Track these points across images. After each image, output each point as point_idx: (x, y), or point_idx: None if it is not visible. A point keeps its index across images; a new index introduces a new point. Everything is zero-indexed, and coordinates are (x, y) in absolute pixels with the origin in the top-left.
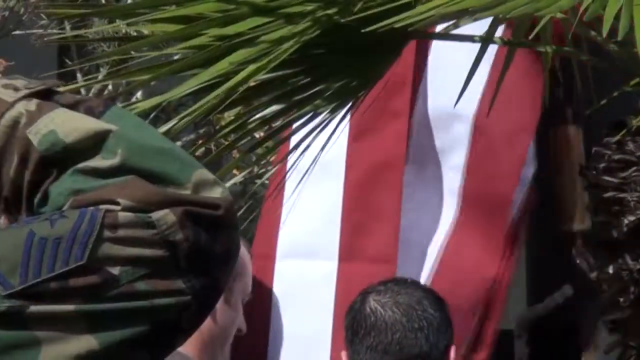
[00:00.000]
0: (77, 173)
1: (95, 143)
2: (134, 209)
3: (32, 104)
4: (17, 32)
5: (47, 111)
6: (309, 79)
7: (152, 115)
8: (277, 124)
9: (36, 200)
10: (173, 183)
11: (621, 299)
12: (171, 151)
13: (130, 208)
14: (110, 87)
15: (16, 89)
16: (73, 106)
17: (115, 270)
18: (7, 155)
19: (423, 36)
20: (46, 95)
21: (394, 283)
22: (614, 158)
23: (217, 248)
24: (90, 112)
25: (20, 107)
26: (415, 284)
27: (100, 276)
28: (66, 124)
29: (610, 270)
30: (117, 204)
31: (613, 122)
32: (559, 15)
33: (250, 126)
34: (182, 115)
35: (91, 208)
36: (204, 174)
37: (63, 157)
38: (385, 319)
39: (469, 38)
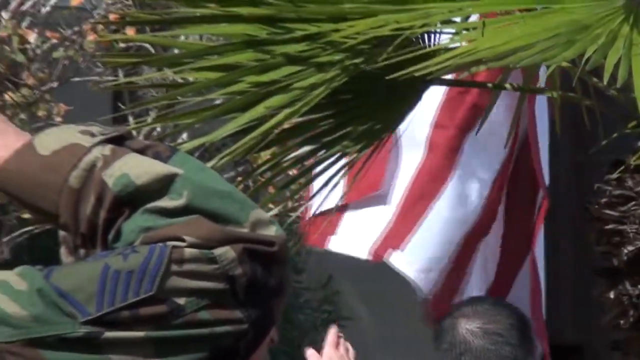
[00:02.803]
0: (147, 212)
1: (163, 185)
2: (198, 246)
3: (107, 149)
4: (76, 79)
5: (121, 155)
6: (337, 121)
7: (196, 155)
8: (309, 162)
9: (110, 236)
10: (233, 222)
11: (621, 321)
12: (230, 193)
13: (195, 245)
14: (158, 129)
15: (92, 135)
16: (142, 151)
17: (181, 301)
18: (85, 195)
19: (441, 83)
20: (119, 141)
21: (481, 306)
22: (614, 193)
23: (272, 281)
24: (157, 156)
25: (97, 151)
26: (500, 305)
27: (167, 306)
28: (137, 168)
29: (612, 296)
30: (183, 240)
31: (613, 161)
32: (565, 64)
33: (285, 165)
34: (223, 154)
35: (160, 244)
36: (260, 213)
37: (135, 197)
38: (476, 347)
39: (483, 85)
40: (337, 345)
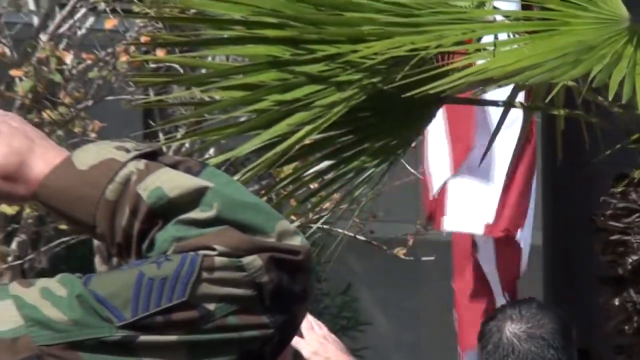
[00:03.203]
0: (180, 223)
1: (194, 198)
2: (227, 255)
3: (141, 164)
4: (109, 97)
5: (154, 170)
6: (356, 138)
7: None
8: (329, 176)
9: (144, 246)
10: (260, 232)
11: (626, 327)
12: (258, 205)
13: (224, 253)
14: (187, 144)
15: (127, 151)
16: (174, 166)
17: (211, 306)
18: (120, 207)
19: (454, 101)
20: (152, 156)
21: (526, 309)
22: (618, 206)
23: (296, 288)
24: (189, 171)
25: (131, 166)
26: (544, 307)
27: (198, 311)
28: (170, 181)
29: (616, 303)
30: (214, 249)
31: (617, 175)
32: (571, 82)
33: (306, 179)
34: (247, 168)
35: (191, 253)
36: (286, 224)
37: (167, 209)
38: (520, 350)
39: (494, 103)
40: (312, 328)
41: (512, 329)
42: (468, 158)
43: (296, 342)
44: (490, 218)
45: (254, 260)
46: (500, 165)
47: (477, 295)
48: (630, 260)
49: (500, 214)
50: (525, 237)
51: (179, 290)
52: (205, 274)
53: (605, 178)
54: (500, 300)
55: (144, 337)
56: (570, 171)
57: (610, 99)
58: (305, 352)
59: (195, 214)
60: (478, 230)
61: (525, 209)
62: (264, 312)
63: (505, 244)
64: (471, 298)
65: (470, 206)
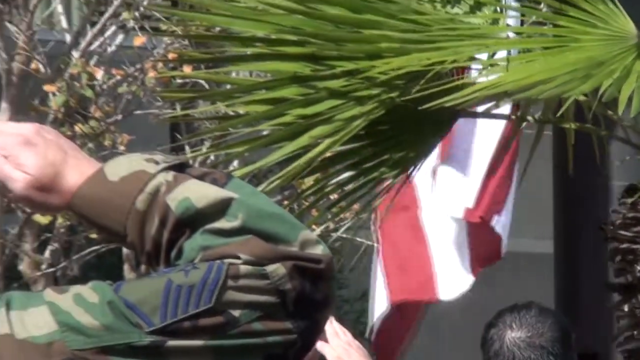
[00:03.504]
0: (206, 233)
1: (220, 208)
2: (252, 263)
3: (170, 175)
4: (138, 112)
5: (182, 181)
6: (375, 150)
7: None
8: (349, 187)
9: (173, 254)
10: (283, 241)
11: (634, 332)
12: (281, 215)
13: (249, 262)
14: (212, 157)
15: (156, 163)
16: (201, 177)
17: (236, 313)
18: (150, 217)
19: (469, 114)
20: (180, 168)
21: (526, 315)
22: (628, 216)
23: (318, 296)
24: (215, 182)
25: (161, 177)
26: (544, 312)
27: (224, 317)
28: (197, 193)
29: (626, 308)
30: (239, 258)
31: (627, 186)
32: (581, 97)
33: (327, 190)
34: (270, 180)
35: (217, 261)
36: (308, 234)
37: (195, 219)
38: (520, 358)
39: (507, 116)
40: (337, 334)
41: (512, 337)
42: (450, 153)
43: (321, 347)
44: (469, 204)
45: (277, 269)
46: (480, 160)
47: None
48: (638, 268)
49: (479, 202)
50: (503, 223)
51: (205, 297)
52: (230, 282)
53: (615, 189)
54: (468, 278)
55: (172, 342)
56: (580, 182)
57: (619, 113)
58: (330, 357)
59: (221, 224)
60: (458, 213)
61: (504, 199)
62: (287, 318)
63: (480, 230)
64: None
65: (452, 193)
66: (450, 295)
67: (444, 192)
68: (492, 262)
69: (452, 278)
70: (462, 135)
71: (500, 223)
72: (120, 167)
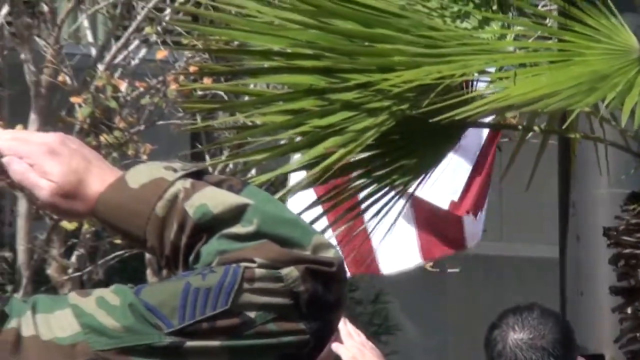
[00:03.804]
0: (223, 237)
1: (236, 214)
2: (266, 266)
3: (188, 183)
4: (160, 122)
5: (200, 188)
6: (386, 159)
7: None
8: (363, 194)
9: (190, 258)
10: (297, 246)
11: (638, 334)
12: (295, 220)
13: (264, 265)
14: (231, 165)
15: (175, 171)
16: (218, 184)
17: (252, 314)
18: (169, 222)
19: (477, 125)
20: (198, 176)
21: (528, 317)
22: (631, 222)
23: (331, 297)
24: (231, 189)
25: (179, 184)
26: (546, 314)
27: (240, 319)
28: (214, 199)
29: (629, 311)
30: (254, 262)
31: (630, 194)
32: (586, 109)
33: (341, 197)
34: (287, 188)
35: (233, 265)
36: (321, 238)
37: (212, 224)
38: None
39: (514, 127)
40: (351, 335)
41: (514, 338)
42: None
43: (336, 347)
44: (455, 197)
45: (291, 272)
46: (468, 157)
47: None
48: None
49: (464, 196)
50: (483, 218)
51: (222, 300)
52: (246, 285)
53: (618, 197)
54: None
55: (190, 343)
56: (585, 190)
57: (622, 124)
58: (345, 357)
59: (237, 229)
60: (444, 204)
61: (484, 197)
62: (300, 319)
63: (447, 219)
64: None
65: (439, 184)
66: (391, 270)
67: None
68: (453, 251)
69: (394, 255)
70: None
71: (482, 218)
72: (141, 174)
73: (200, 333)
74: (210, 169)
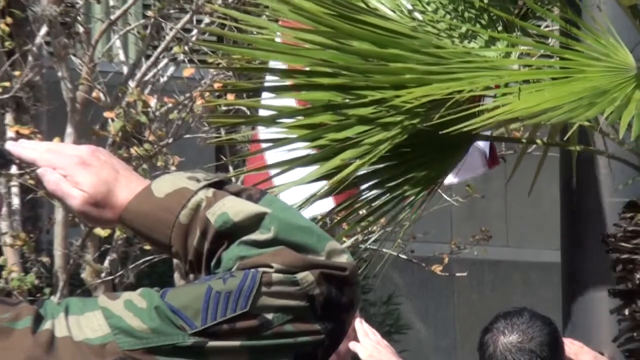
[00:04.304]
0: (242, 244)
1: (255, 222)
2: (283, 271)
3: (210, 192)
4: (187, 136)
5: (221, 197)
6: (399, 170)
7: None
8: (376, 203)
9: (212, 263)
10: (312, 251)
11: (634, 334)
12: (310, 228)
13: (281, 270)
14: None
15: (198, 180)
16: (238, 193)
17: (270, 316)
18: (192, 229)
19: (484, 138)
20: (219, 185)
21: (517, 321)
22: (628, 229)
23: (344, 299)
24: (250, 198)
25: (202, 194)
26: (534, 318)
27: (259, 320)
28: (234, 208)
29: (626, 312)
30: (271, 267)
31: (627, 203)
32: (587, 122)
33: (356, 206)
34: (307, 197)
35: (252, 270)
36: (334, 244)
37: (232, 232)
38: None
39: (518, 140)
40: (367, 334)
41: (504, 342)
42: None
43: (354, 346)
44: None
45: (306, 276)
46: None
47: None
48: (638, 276)
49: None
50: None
51: (242, 302)
52: (264, 288)
53: (616, 205)
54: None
55: (212, 343)
56: (585, 199)
57: (620, 136)
58: (362, 355)
59: (256, 236)
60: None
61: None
62: (316, 320)
63: None
64: None
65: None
66: None
67: None
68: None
69: None
70: None
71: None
72: (166, 184)
73: (221, 334)
74: (233, 180)
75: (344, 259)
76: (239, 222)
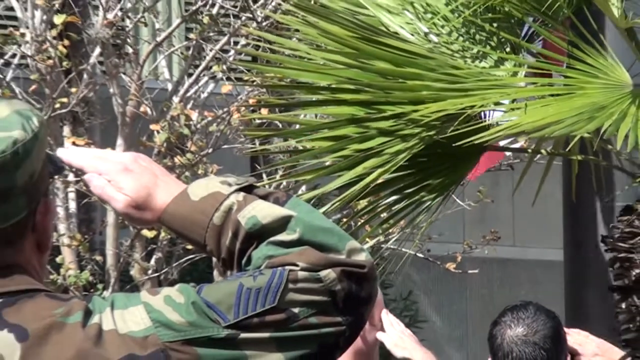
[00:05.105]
0: (270, 244)
1: (282, 224)
2: (308, 269)
3: (240, 196)
4: (225, 146)
5: (250, 201)
6: (416, 178)
7: (311, 202)
8: (396, 208)
9: (243, 262)
10: (334, 251)
11: (630, 326)
12: (332, 229)
13: (306, 268)
14: (284, 183)
15: (229, 185)
16: (265, 197)
17: (296, 310)
18: (225, 230)
19: (494, 149)
20: (249, 189)
21: (522, 315)
22: (625, 231)
23: (363, 294)
24: (277, 201)
25: (233, 198)
26: (539, 312)
27: (286, 314)
28: (263, 211)
29: (623, 306)
30: (297, 265)
31: (624, 207)
32: (586, 135)
33: (378, 210)
34: (332, 202)
35: (280, 268)
36: (354, 244)
37: (261, 233)
38: (516, 352)
39: (525, 150)
40: (392, 324)
41: (510, 334)
42: None
43: (380, 336)
44: None
45: (329, 274)
46: None
47: None
48: (634, 273)
49: None
50: None
51: (270, 298)
52: (290, 285)
53: (615, 209)
54: None
55: (243, 335)
56: (586, 204)
57: (618, 147)
58: (387, 344)
59: (283, 237)
60: None
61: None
62: (337, 313)
63: None
64: None
65: None
66: None
67: None
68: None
69: None
70: None
71: None
72: (200, 188)
73: (252, 326)
74: (266, 186)
75: (362, 257)
76: (267, 224)
